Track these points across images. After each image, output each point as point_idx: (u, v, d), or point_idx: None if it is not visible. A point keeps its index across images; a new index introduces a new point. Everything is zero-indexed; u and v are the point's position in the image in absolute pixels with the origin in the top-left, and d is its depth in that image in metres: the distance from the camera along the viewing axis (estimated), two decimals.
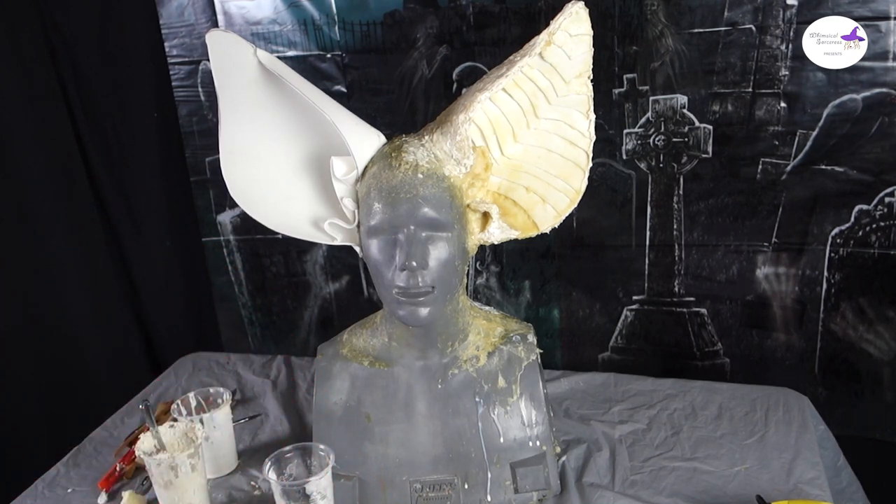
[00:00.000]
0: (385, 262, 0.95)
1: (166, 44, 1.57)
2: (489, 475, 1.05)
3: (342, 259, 1.68)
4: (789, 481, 1.06)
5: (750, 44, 1.33)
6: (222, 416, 1.15)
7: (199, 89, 1.59)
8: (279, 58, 0.98)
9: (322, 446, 1.01)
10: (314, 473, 0.98)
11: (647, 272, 1.53)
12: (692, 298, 1.53)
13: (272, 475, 0.98)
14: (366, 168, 0.98)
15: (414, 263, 0.92)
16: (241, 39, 0.95)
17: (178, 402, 1.15)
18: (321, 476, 0.96)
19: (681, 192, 1.46)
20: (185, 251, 1.75)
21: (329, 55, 1.52)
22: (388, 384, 1.07)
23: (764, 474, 1.09)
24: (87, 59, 1.56)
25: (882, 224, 1.36)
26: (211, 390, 1.18)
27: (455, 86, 1.49)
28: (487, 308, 1.14)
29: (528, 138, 0.98)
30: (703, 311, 1.53)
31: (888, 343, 1.42)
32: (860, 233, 1.38)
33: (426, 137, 0.97)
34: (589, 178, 1.00)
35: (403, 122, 1.52)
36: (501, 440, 1.06)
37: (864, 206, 1.37)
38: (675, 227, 1.48)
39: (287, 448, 1.02)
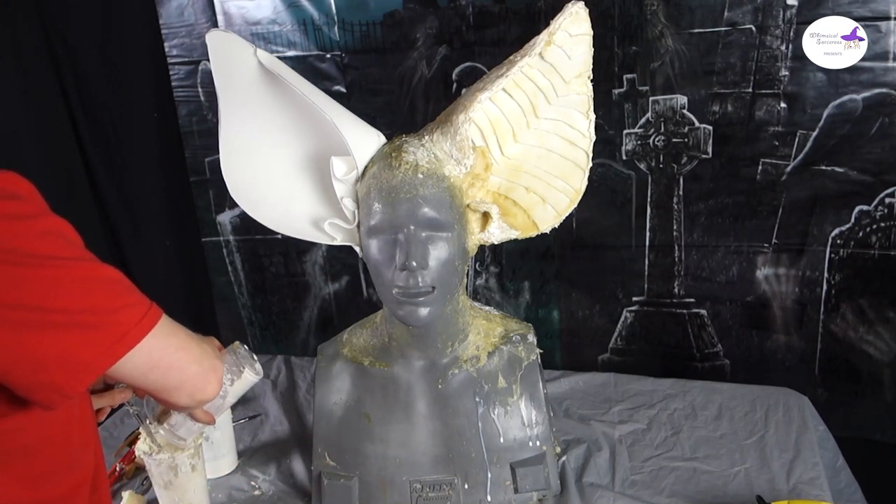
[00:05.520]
0: (385, 262, 0.95)
1: (166, 44, 1.57)
2: (489, 475, 1.05)
3: (342, 259, 1.68)
4: (789, 481, 1.06)
5: (750, 44, 1.33)
6: (222, 416, 1.15)
7: (199, 89, 1.60)
8: (279, 58, 0.98)
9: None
10: None
11: (646, 273, 1.53)
12: (692, 299, 1.53)
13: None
14: (366, 168, 0.98)
15: (414, 263, 0.91)
16: (241, 39, 0.95)
17: None
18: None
19: (681, 192, 1.46)
20: (185, 251, 1.75)
21: (329, 55, 1.52)
22: (388, 384, 1.07)
23: (764, 474, 1.09)
24: (87, 60, 1.55)
25: (882, 225, 1.36)
26: None
27: (455, 86, 1.49)
28: (487, 308, 1.14)
29: (528, 138, 0.98)
30: (703, 312, 1.53)
31: (888, 344, 1.42)
32: (860, 233, 1.38)
33: (426, 137, 0.97)
34: (589, 179, 1.00)
35: (403, 122, 1.51)
36: (501, 440, 1.05)
37: (865, 207, 1.36)
38: (674, 227, 1.48)
39: None
